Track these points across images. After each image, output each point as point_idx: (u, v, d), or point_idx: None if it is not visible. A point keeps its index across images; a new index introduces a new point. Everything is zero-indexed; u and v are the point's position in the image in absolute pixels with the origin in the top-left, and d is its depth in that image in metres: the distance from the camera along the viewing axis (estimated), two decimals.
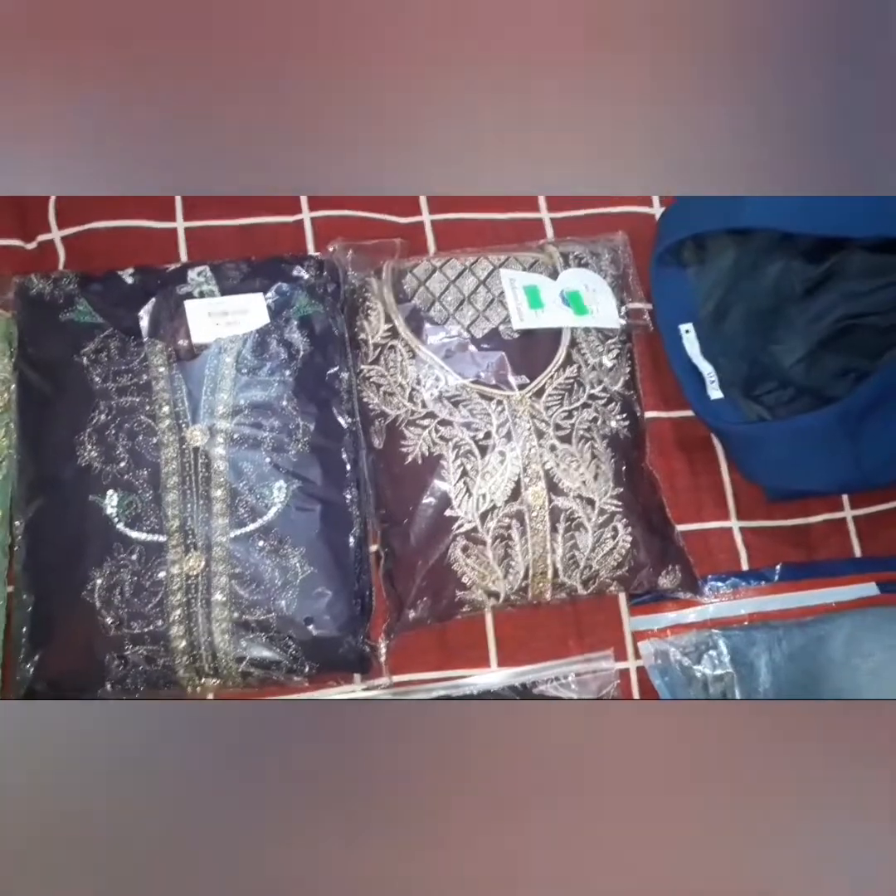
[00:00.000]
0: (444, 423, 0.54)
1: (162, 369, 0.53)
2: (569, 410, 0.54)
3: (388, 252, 0.61)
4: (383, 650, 0.52)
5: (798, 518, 0.61)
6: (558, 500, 0.52)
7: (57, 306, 0.54)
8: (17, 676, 0.49)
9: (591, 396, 0.56)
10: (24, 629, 0.50)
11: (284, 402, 0.54)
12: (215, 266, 0.57)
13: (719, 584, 0.57)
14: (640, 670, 0.56)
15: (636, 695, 0.55)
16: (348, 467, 0.54)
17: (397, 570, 0.53)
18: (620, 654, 0.56)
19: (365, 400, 0.57)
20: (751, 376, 0.64)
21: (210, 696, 0.51)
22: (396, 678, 0.53)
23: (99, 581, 0.48)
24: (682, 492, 0.61)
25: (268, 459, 0.52)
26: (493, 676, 0.54)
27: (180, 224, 0.64)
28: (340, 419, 0.55)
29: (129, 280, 0.56)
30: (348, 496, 0.53)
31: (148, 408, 0.51)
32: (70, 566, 0.49)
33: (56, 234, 0.63)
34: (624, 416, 0.57)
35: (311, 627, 0.50)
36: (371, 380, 0.57)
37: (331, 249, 0.61)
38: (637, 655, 0.56)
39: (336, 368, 0.56)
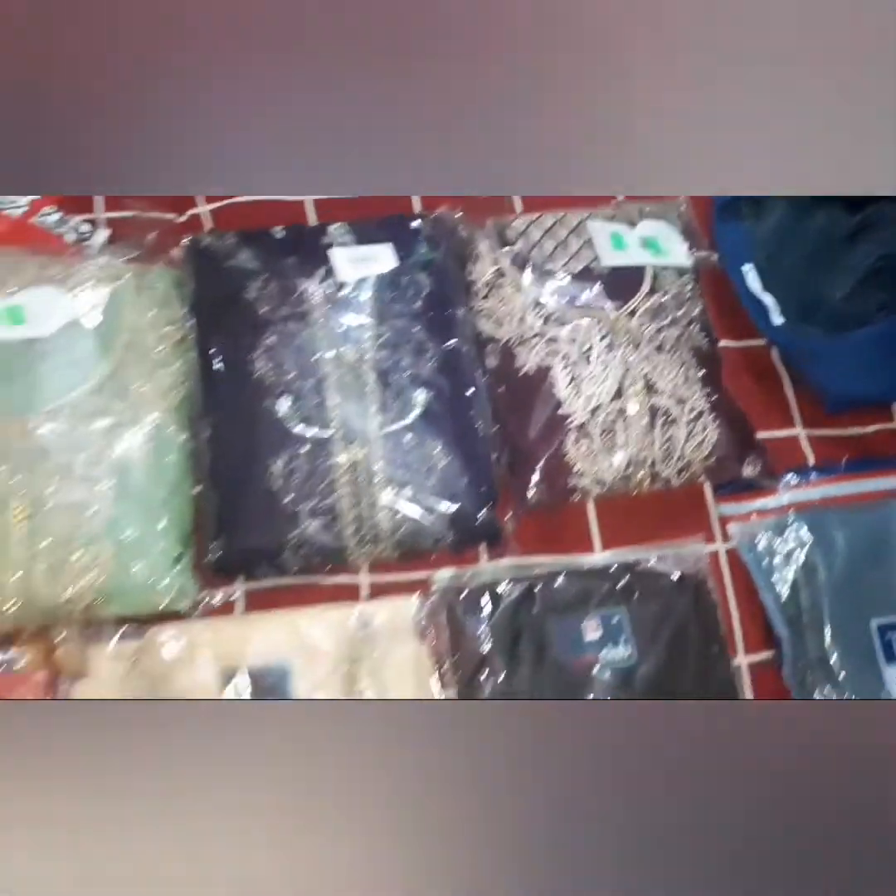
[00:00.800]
0: (551, 340, 0.63)
1: (316, 302, 0.63)
2: (658, 327, 0.64)
3: (489, 210, 0.72)
4: (508, 529, 0.62)
5: (855, 427, 0.70)
6: (655, 400, 0.62)
7: (223, 256, 0.65)
8: (208, 558, 0.58)
9: (675, 319, 0.66)
10: (212, 517, 0.59)
11: (415, 329, 0.63)
12: (349, 223, 0.68)
13: (793, 475, 0.65)
14: (730, 552, 0.64)
15: (725, 572, 0.64)
16: (470, 382, 0.64)
17: (517, 462, 0.62)
18: (709, 537, 0.64)
19: (479, 330, 0.67)
20: (805, 308, 0.74)
21: (365, 567, 0.60)
22: (516, 560, 0.62)
23: (277, 469, 0.58)
24: (751, 407, 0.69)
25: (407, 373, 0.62)
26: (598, 557, 0.63)
27: (308, 196, 0.75)
28: (459, 344, 0.65)
29: (280, 235, 0.67)
30: (472, 403, 0.63)
31: (308, 331, 0.62)
32: (251, 460, 0.59)
33: (203, 208, 0.74)
34: (704, 334, 0.67)
35: (453, 503, 0.59)
36: (483, 312, 0.67)
37: (441, 210, 0.71)
38: (724, 539, 0.65)
39: (453, 304, 0.66)
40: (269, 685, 0.54)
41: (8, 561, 0.54)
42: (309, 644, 0.56)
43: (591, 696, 0.58)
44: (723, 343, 0.71)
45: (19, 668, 0.55)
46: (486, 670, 0.58)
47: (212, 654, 0.55)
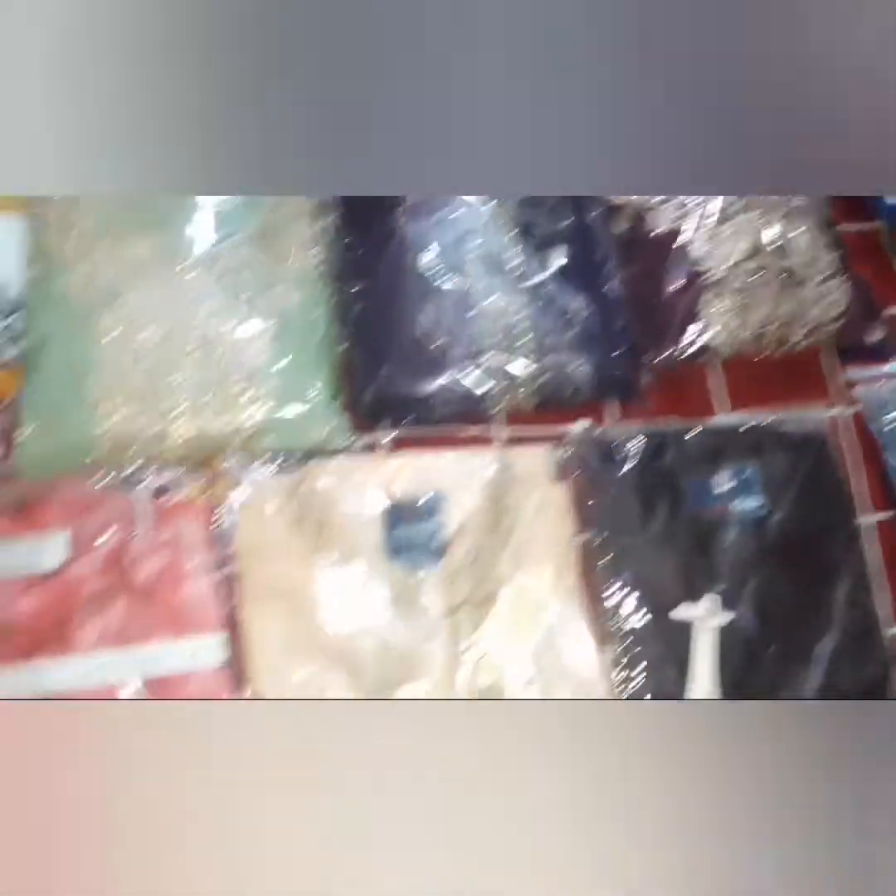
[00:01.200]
0: (680, 205, 0.66)
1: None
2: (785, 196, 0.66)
3: None
4: (641, 386, 0.64)
5: None
6: (786, 262, 0.64)
7: None
8: (357, 403, 0.60)
9: None
10: (361, 366, 0.61)
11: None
12: None
13: None
14: (854, 415, 0.66)
15: (850, 434, 0.65)
16: (604, 245, 0.66)
17: (652, 320, 0.64)
18: (831, 401, 0.66)
19: (608, 198, 0.68)
20: None
21: (503, 418, 0.62)
22: (647, 418, 0.64)
23: (422, 320, 0.61)
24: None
25: (544, 233, 0.64)
26: (727, 419, 0.65)
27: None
28: (591, 209, 0.67)
29: None
30: (606, 263, 0.65)
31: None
32: (397, 313, 0.61)
33: None
34: (826, 208, 0.69)
35: (589, 358, 0.61)
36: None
37: None
38: (849, 402, 0.67)
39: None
40: (423, 512, 0.57)
41: (176, 391, 0.57)
42: (457, 478, 0.58)
43: (728, 542, 0.60)
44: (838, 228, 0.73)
45: (183, 495, 0.58)
46: (621, 519, 0.61)
47: (366, 484, 0.58)
